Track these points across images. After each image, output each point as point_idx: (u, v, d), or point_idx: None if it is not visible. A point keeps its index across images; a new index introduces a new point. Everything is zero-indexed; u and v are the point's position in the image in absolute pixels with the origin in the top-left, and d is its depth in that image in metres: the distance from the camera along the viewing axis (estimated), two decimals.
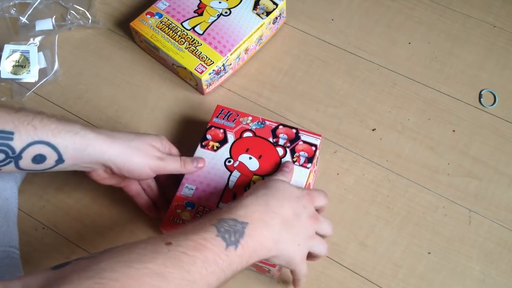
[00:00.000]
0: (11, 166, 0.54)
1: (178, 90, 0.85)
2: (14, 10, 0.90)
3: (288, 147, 0.67)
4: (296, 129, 0.69)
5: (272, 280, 0.70)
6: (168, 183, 0.71)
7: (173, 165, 0.64)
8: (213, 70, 0.79)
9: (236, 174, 0.66)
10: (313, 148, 0.67)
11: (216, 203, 0.64)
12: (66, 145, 0.56)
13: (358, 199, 0.75)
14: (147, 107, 0.83)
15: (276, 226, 0.53)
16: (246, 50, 0.84)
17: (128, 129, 0.81)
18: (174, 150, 0.67)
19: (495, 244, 0.72)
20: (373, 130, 0.81)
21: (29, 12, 0.89)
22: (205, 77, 0.79)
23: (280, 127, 0.69)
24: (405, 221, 0.73)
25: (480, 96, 0.83)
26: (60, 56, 0.87)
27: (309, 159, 0.66)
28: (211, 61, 0.79)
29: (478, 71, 0.85)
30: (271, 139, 0.68)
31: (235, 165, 0.67)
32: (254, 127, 0.69)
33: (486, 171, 0.77)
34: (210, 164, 0.67)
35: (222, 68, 0.81)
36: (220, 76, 0.83)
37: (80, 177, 0.78)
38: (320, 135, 0.69)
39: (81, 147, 0.56)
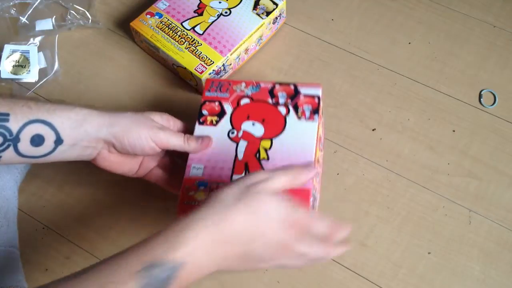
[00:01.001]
0: (11, 151, 0.53)
1: (178, 90, 0.85)
2: (14, 10, 0.90)
3: (289, 104, 0.64)
4: (294, 84, 0.66)
5: (271, 280, 0.70)
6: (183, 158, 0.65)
7: (175, 139, 0.60)
8: (213, 70, 0.79)
9: (242, 144, 0.63)
10: (316, 100, 0.64)
11: (229, 177, 0.61)
12: (62, 121, 0.54)
13: (358, 199, 0.75)
14: (147, 107, 0.83)
15: (230, 261, 0.45)
16: (246, 50, 0.84)
17: None
18: (179, 124, 0.65)
19: (495, 244, 0.72)
20: (373, 130, 0.81)
21: (29, 12, 0.89)
22: (205, 77, 0.79)
23: (277, 86, 0.66)
24: (405, 221, 0.73)
25: (480, 96, 0.83)
26: (60, 56, 0.88)
27: (315, 111, 0.63)
28: (211, 61, 0.79)
29: (478, 71, 0.85)
30: (270, 101, 0.65)
31: (239, 135, 0.63)
32: (250, 92, 0.66)
33: (486, 171, 0.77)
34: (213, 139, 0.63)
35: (222, 68, 0.81)
36: (220, 76, 0.83)
37: (80, 177, 0.78)
38: (319, 84, 0.65)
39: (77, 122, 0.55)
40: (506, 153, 0.78)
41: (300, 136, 0.62)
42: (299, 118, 0.63)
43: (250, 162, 0.61)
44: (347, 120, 0.81)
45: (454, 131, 0.80)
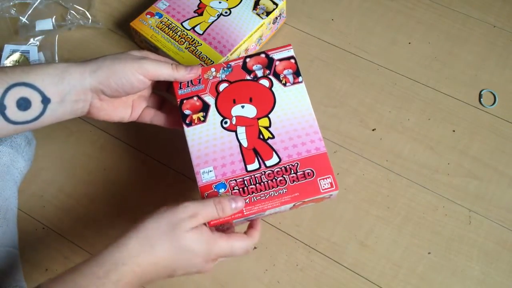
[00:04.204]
0: (0, 120, 0.52)
1: None
2: (14, 10, 0.90)
3: (268, 74, 0.63)
4: (264, 52, 0.64)
5: (271, 280, 0.70)
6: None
7: (163, 66, 0.58)
8: None
9: (241, 130, 0.60)
10: (292, 61, 0.63)
11: (243, 169, 0.58)
12: (43, 79, 0.53)
13: (358, 199, 0.75)
14: None
15: (152, 281, 0.51)
16: (246, 50, 0.84)
17: (129, 127, 0.81)
18: (161, 58, 0.61)
19: (495, 244, 0.72)
20: (373, 130, 0.81)
21: (29, 12, 0.89)
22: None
23: (248, 60, 0.64)
24: (405, 221, 0.73)
25: (480, 96, 0.83)
26: (60, 56, 0.87)
27: (296, 73, 0.62)
28: (211, 61, 0.79)
29: (478, 71, 0.85)
30: (248, 77, 0.63)
31: (233, 122, 0.61)
32: (224, 75, 0.63)
33: (486, 171, 0.77)
34: (209, 136, 0.60)
35: None
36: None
37: (80, 177, 0.78)
38: (289, 45, 0.64)
39: (58, 77, 0.53)
40: (506, 153, 0.78)
41: (294, 102, 0.61)
42: (284, 85, 0.62)
43: (258, 146, 0.59)
44: (347, 120, 0.81)
45: (454, 131, 0.80)
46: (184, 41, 0.82)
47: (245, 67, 0.63)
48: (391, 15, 0.91)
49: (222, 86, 0.63)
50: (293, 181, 0.57)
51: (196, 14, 0.84)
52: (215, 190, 0.57)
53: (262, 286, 0.70)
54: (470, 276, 0.70)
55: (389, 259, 0.71)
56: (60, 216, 0.75)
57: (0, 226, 0.66)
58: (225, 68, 0.64)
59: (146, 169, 0.78)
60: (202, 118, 0.61)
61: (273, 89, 0.62)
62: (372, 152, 0.79)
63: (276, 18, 0.86)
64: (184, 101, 0.62)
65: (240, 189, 0.57)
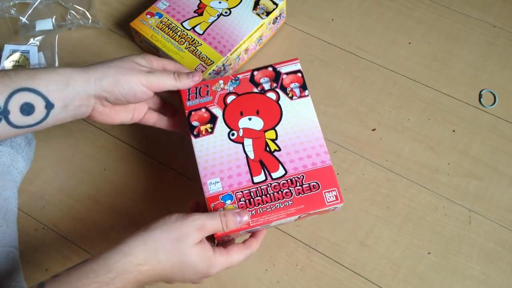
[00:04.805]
0: (4, 125, 0.52)
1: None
2: (14, 10, 0.90)
3: (276, 88, 0.63)
4: (271, 65, 0.65)
5: (271, 280, 0.70)
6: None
7: (166, 79, 0.59)
8: (213, 70, 0.79)
9: (248, 142, 0.61)
10: (299, 75, 0.64)
11: (250, 180, 0.59)
12: (47, 85, 0.53)
13: (358, 199, 0.75)
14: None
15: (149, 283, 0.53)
16: (246, 50, 0.84)
17: (129, 128, 0.81)
18: (164, 62, 0.62)
19: (495, 244, 0.72)
20: (373, 130, 0.81)
21: (29, 12, 0.89)
22: (205, 77, 0.79)
23: (255, 73, 0.65)
24: (405, 221, 0.73)
25: (480, 96, 0.83)
26: (60, 56, 0.87)
27: (303, 87, 0.63)
28: (211, 61, 0.79)
29: (478, 71, 0.85)
30: (256, 90, 0.64)
31: (240, 134, 0.61)
32: (231, 88, 0.64)
33: (486, 171, 0.77)
34: (217, 147, 0.61)
35: (222, 68, 0.81)
36: (220, 76, 0.83)
37: (80, 177, 0.78)
38: (296, 58, 0.65)
39: (62, 83, 0.54)
40: (506, 153, 0.78)
41: (300, 115, 0.62)
42: (291, 98, 0.63)
43: (265, 159, 0.60)
44: (347, 120, 0.81)
45: (454, 131, 0.80)
46: (184, 41, 0.82)
47: (252, 80, 0.64)
48: (391, 15, 0.91)
49: (230, 98, 0.63)
50: (299, 193, 0.57)
51: (196, 14, 0.84)
52: (222, 201, 0.58)
53: (262, 286, 0.70)
54: (470, 276, 0.70)
55: (389, 259, 0.71)
56: (60, 216, 0.75)
57: (0, 226, 0.66)
58: (233, 81, 0.64)
59: (147, 169, 0.78)
60: (209, 130, 0.62)
61: (279, 102, 0.63)
62: (372, 152, 0.79)
63: (276, 18, 0.86)
64: (192, 113, 0.63)
65: (246, 201, 0.58)
